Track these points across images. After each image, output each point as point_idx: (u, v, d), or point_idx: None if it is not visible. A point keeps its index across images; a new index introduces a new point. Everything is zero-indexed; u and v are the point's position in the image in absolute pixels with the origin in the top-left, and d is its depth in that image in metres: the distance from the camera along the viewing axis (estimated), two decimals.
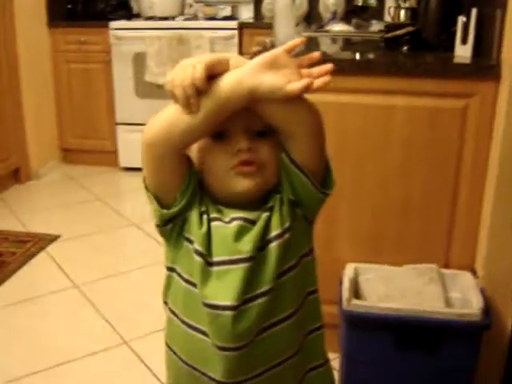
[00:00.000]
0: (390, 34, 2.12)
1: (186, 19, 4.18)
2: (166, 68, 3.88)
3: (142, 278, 2.74)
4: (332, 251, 1.99)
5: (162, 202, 0.99)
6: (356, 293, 1.81)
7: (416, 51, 2.05)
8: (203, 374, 1.02)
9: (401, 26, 2.15)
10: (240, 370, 1.00)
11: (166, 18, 4.14)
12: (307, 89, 0.88)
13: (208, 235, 0.97)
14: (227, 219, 0.97)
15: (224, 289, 0.95)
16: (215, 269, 0.96)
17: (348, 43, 2.68)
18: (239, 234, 0.96)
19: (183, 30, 3.89)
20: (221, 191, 0.98)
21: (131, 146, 4.12)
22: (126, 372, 2.08)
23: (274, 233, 0.96)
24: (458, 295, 1.82)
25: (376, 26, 2.97)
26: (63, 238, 3.18)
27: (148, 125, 0.95)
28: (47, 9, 4.15)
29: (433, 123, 1.84)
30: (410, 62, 1.83)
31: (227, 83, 0.89)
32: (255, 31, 3.89)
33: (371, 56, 2.05)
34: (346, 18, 3.65)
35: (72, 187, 4.00)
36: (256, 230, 0.96)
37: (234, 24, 3.92)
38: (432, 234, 1.93)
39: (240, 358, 0.98)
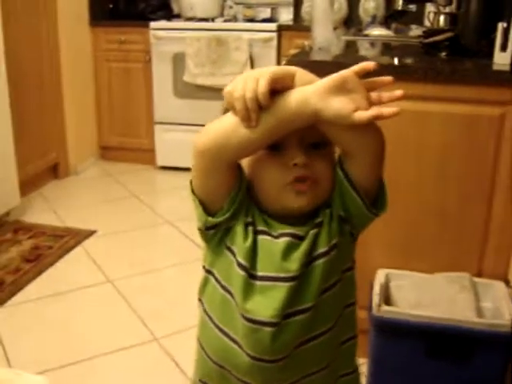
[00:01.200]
0: (428, 40, 2.11)
1: (226, 20, 4.21)
2: (204, 69, 3.91)
3: (174, 276, 2.78)
4: (364, 256, 1.97)
5: (207, 208, 0.96)
6: (387, 299, 1.80)
7: (454, 57, 2.03)
8: (233, 375, 1.02)
9: (440, 31, 2.13)
10: (275, 380, 1.00)
11: (205, 19, 4.18)
12: (375, 119, 0.85)
13: (253, 248, 0.95)
14: (275, 234, 0.95)
15: (267, 305, 0.93)
16: (258, 283, 0.95)
17: (387, 48, 2.67)
18: (287, 251, 0.93)
19: (222, 32, 3.92)
20: (271, 204, 0.96)
21: (168, 145, 4.17)
22: (155, 368, 2.10)
23: (320, 250, 0.94)
24: (489, 305, 1.80)
25: (415, 31, 2.95)
26: (99, 233, 3.24)
27: (203, 131, 0.92)
28: (89, 8, 4.22)
29: (469, 130, 1.82)
30: (447, 67, 1.82)
31: (292, 102, 0.86)
32: (294, 34, 3.89)
33: (409, 61, 2.04)
34: (386, 22, 3.63)
35: (109, 184, 4.06)
36: (304, 248, 0.93)
37: (273, 26, 3.93)
38: (466, 242, 1.92)
39: (276, 369, 0.97)
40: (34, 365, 2.10)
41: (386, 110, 0.85)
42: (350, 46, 2.61)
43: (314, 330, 0.97)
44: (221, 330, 1.01)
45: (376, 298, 1.73)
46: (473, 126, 1.81)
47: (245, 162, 0.96)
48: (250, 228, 0.95)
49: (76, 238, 3.16)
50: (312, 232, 0.94)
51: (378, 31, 3.14)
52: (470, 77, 1.79)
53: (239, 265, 0.95)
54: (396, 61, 2.05)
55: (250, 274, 0.95)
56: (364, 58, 2.21)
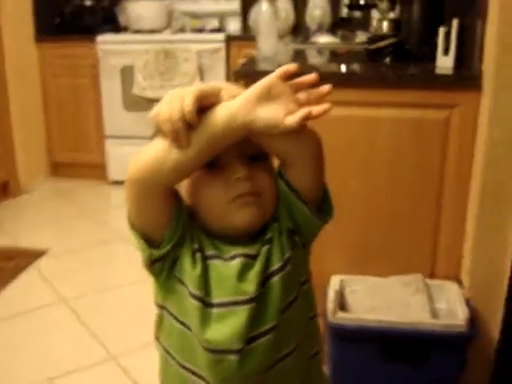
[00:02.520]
0: (372, 46, 2.13)
1: (173, 32, 4.19)
2: (153, 81, 3.89)
3: (130, 294, 2.73)
4: (317, 263, 1.97)
5: (150, 241, 0.91)
6: (342, 305, 1.81)
7: (399, 62, 2.06)
8: None
9: (384, 37, 2.16)
10: None
11: (153, 31, 4.15)
12: (305, 120, 0.82)
13: (204, 275, 0.91)
14: (227, 256, 0.92)
15: (227, 332, 0.90)
16: (215, 311, 0.91)
17: (334, 55, 2.69)
18: (242, 272, 0.90)
19: (170, 44, 3.90)
20: (218, 224, 0.92)
21: (120, 159, 4.11)
22: None
23: (275, 266, 0.91)
24: (443, 306, 1.82)
25: (361, 38, 2.98)
26: (52, 252, 3.16)
27: (133, 160, 0.88)
28: (34, 22, 4.15)
29: (417, 134, 1.84)
30: (392, 73, 1.85)
31: (220, 118, 0.83)
32: (243, 43, 3.90)
33: (354, 68, 2.06)
34: (332, 29, 3.67)
35: (61, 201, 3.98)
36: (258, 267, 0.90)
37: (221, 37, 3.93)
38: (418, 245, 1.94)
39: None
40: None
41: (316, 108, 0.83)
42: (298, 54, 2.62)
43: (280, 351, 0.94)
44: (182, 366, 0.96)
45: (331, 305, 1.73)
46: (420, 130, 1.84)
47: (183, 187, 0.93)
48: (198, 255, 0.91)
49: (28, 258, 3.08)
50: (264, 249, 0.92)
51: (325, 39, 3.18)
52: (414, 81, 1.82)
53: (192, 295, 0.91)
54: (343, 68, 2.07)
55: (206, 303, 0.91)
56: (312, 66, 2.23)
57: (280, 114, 0.82)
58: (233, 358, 0.90)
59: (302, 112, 0.82)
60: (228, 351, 0.90)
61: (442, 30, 1.90)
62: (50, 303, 2.65)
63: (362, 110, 1.86)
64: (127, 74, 3.99)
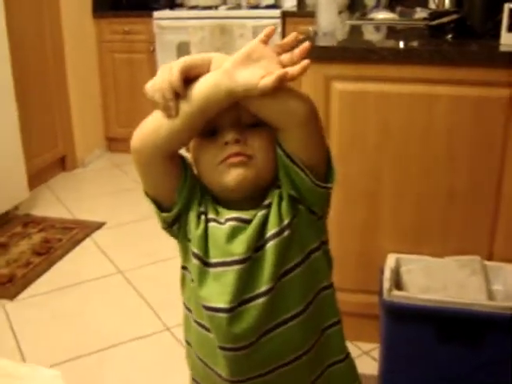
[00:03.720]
0: (434, 22, 2.09)
1: (229, 8, 4.18)
2: None
3: None
4: (373, 241, 1.99)
5: (163, 205, 0.98)
6: (397, 284, 1.80)
7: (461, 39, 2.01)
8: (212, 370, 1.02)
9: (445, 13, 2.10)
10: (243, 369, 0.98)
11: (208, 8, 4.16)
12: (281, 80, 0.83)
13: (205, 236, 0.96)
14: (222, 220, 0.95)
15: (219, 291, 0.94)
16: (212, 270, 0.95)
17: (392, 31, 2.64)
18: (232, 234, 0.93)
19: (226, 20, 3.90)
20: (215, 187, 0.96)
21: None
22: (168, 357, 2.11)
23: (271, 231, 0.93)
24: (500, 288, 1.79)
25: (420, 14, 2.92)
26: (108, 224, 3.25)
27: (135, 132, 0.93)
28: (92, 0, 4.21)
29: (477, 113, 1.81)
30: (454, 50, 1.80)
31: (203, 87, 0.87)
32: (298, 20, 3.87)
33: (415, 44, 2.02)
34: (390, 5, 3.60)
35: (117, 175, 4.06)
36: (250, 230, 0.93)
37: (276, 13, 3.91)
38: (476, 225, 1.91)
39: (242, 358, 0.96)
40: (47, 357, 2.12)
41: (293, 68, 0.83)
42: (355, 31, 2.59)
43: (279, 316, 0.96)
44: (197, 322, 1.01)
45: (386, 283, 1.72)
46: (481, 109, 1.80)
47: (190, 150, 0.98)
48: (203, 217, 0.96)
49: (85, 230, 3.17)
50: (260, 214, 0.94)
51: (382, 15, 3.11)
52: (477, 59, 1.77)
53: (193, 254, 0.96)
54: (401, 44, 2.03)
55: (205, 262, 0.95)
56: (369, 43, 2.20)
57: (257, 75, 0.84)
58: (223, 316, 0.93)
59: (277, 72, 0.82)
60: (219, 309, 0.94)
61: (506, 6, 1.84)
62: (106, 274, 2.73)
63: (422, 87, 1.83)
64: (183, 49, 4.01)
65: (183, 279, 1.05)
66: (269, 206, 0.94)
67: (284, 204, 0.94)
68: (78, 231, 3.15)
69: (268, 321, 0.95)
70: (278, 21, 3.87)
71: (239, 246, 0.93)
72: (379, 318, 1.81)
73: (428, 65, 1.79)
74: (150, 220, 3.26)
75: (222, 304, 0.93)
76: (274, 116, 0.89)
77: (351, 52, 1.83)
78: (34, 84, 3.70)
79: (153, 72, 4.12)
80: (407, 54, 1.82)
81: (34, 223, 3.26)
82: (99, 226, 3.23)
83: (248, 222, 0.94)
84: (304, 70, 0.84)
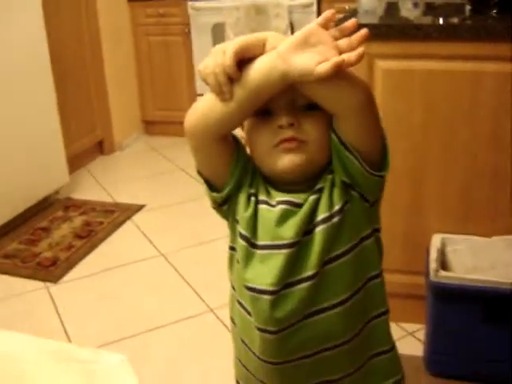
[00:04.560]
0: None
1: None
2: None
3: (225, 247, 2.78)
4: (419, 221, 1.97)
5: (214, 185, 0.97)
6: (443, 264, 1.79)
7: (505, 14, 1.96)
8: (250, 349, 1.02)
9: None
10: (282, 352, 0.97)
11: None
12: (338, 67, 0.80)
13: (254, 218, 0.95)
14: (274, 202, 0.94)
15: (265, 273, 0.93)
16: (258, 252, 0.95)
17: (430, 8, 2.59)
18: (282, 218, 0.92)
19: (261, 0, 3.87)
20: (267, 170, 0.95)
21: None
22: (213, 339, 2.13)
23: (321, 216, 0.91)
24: None
25: None
26: (148, 207, 3.27)
27: (187, 114, 0.93)
28: None
29: None
30: (500, 25, 1.76)
31: (258, 70, 0.85)
32: None
33: (459, 21, 1.98)
34: None
35: (154, 158, 4.09)
36: (301, 215, 0.92)
37: None
38: None
39: (279, 341, 0.95)
40: (92, 339, 2.16)
41: (349, 55, 0.81)
42: (393, 8, 2.54)
43: (322, 301, 0.94)
44: (239, 302, 1.01)
45: (433, 264, 1.71)
46: None
47: (245, 131, 0.97)
48: (253, 199, 0.96)
49: (126, 212, 3.20)
50: (311, 198, 0.92)
51: None
52: None
53: (240, 235, 0.96)
54: (443, 21, 1.99)
55: (252, 244, 0.95)
56: (410, 20, 2.16)
57: (314, 61, 0.81)
58: (267, 298, 0.93)
59: (334, 59, 0.80)
60: (263, 291, 0.93)
61: None
62: (148, 257, 2.75)
63: (467, 64, 1.80)
64: (218, 31, 3.99)
65: (231, 259, 1.04)
66: (321, 191, 0.93)
67: (336, 190, 0.92)
68: (119, 214, 3.19)
69: (311, 306, 0.94)
70: None
71: (289, 229, 0.92)
72: (425, 298, 1.80)
73: (474, 41, 1.76)
74: (189, 202, 3.29)
75: (266, 286, 0.93)
76: (329, 102, 0.87)
77: (395, 29, 1.80)
78: (71, 69, 3.73)
79: (188, 54, 4.15)
80: (453, 31, 1.78)
81: (75, 207, 3.31)
82: (139, 208, 3.26)
83: (299, 205, 0.92)
84: (361, 58, 0.81)
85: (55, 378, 0.81)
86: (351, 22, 0.85)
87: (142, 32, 4.27)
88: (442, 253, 1.81)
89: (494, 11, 2.01)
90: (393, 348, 1.06)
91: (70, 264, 2.71)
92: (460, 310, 1.72)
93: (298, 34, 0.83)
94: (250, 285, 0.95)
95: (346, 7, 3.25)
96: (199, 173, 0.99)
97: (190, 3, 4.03)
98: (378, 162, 0.92)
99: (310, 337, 0.96)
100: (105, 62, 4.04)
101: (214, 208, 1.01)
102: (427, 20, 2.16)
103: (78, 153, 3.78)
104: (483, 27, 1.76)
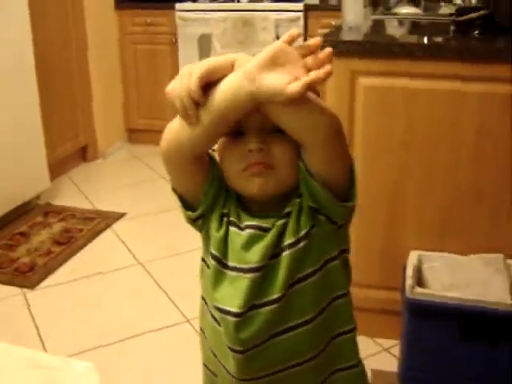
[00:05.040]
0: (462, 18, 2.07)
1: (251, 1, 4.16)
2: (231, 49, 3.89)
3: None
4: (396, 237, 1.98)
5: (189, 202, 0.97)
6: (420, 281, 1.79)
7: (488, 35, 1.99)
8: (221, 364, 1.02)
9: (473, 9, 2.09)
10: (250, 369, 0.98)
11: (231, 0, 4.15)
12: (309, 86, 0.78)
13: (225, 239, 0.95)
14: (242, 225, 0.94)
15: (232, 295, 0.93)
16: (228, 273, 0.95)
17: (416, 26, 2.62)
18: (249, 243, 0.92)
19: (248, 12, 3.89)
20: (238, 191, 0.95)
21: None
22: (187, 348, 2.12)
23: (287, 241, 0.91)
24: None
25: (445, 9, 2.89)
26: (129, 215, 3.26)
27: (163, 134, 0.92)
28: None
29: (505, 110, 1.79)
30: (482, 46, 1.79)
31: (224, 92, 0.83)
32: (321, 13, 3.85)
33: (442, 40, 2.00)
34: (414, 0, 3.57)
35: (137, 166, 4.07)
36: (268, 240, 0.92)
37: (299, 6, 3.88)
38: (501, 224, 1.89)
39: (248, 359, 0.96)
40: (67, 347, 2.14)
41: (318, 73, 0.78)
42: (379, 26, 2.57)
43: (287, 322, 0.95)
44: (212, 315, 1.00)
45: (409, 280, 1.71)
46: (509, 106, 1.78)
47: (217, 150, 0.96)
48: (225, 219, 0.95)
49: (106, 220, 3.19)
50: (278, 223, 0.92)
51: (406, 9, 3.09)
52: (505, 55, 1.75)
53: (212, 255, 0.96)
54: (427, 40, 2.02)
55: (222, 264, 0.95)
56: (394, 38, 2.18)
57: (284, 80, 0.79)
58: (232, 319, 0.93)
59: (305, 79, 0.78)
60: (229, 312, 0.94)
61: None
62: (126, 265, 2.74)
63: (449, 84, 1.82)
64: (205, 42, 4.01)
65: (202, 270, 1.04)
66: (288, 215, 0.92)
67: (303, 214, 0.92)
68: (99, 221, 3.17)
69: (276, 326, 0.95)
70: (301, 14, 3.85)
71: (255, 254, 0.92)
72: (401, 314, 1.80)
73: (456, 61, 1.78)
74: (170, 212, 3.28)
75: (232, 308, 0.93)
76: (295, 130, 0.85)
77: (378, 47, 1.82)
78: (56, 74, 3.71)
79: (174, 64, 4.14)
80: (436, 50, 1.80)
81: (55, 213, 3.29)
82: (119, 216, 3.24)
83: (267, 230, 0.92)
84: (329, 75, 0.79)
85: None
86: (317, 40, 0.83)
87: (129, 40, 4.27)
88: (419, 270, 1.81)
89: (477, 32, 2.04)
90: (359, 364, 1.06)
91: (48, 270, 2.69)
92: (435, 327, 1.73)
93: (265, 52, 0.80)
94: (217, 305, 0.96)
95: (333, 23, 3.29)
96: (174, 190, 0.99)
97: (177, 13, 4.05)
98: (346, 190, 0.92)
99: (276, 355, 0.97)
100: (90, 68, 4.04)
101: (188, 222, 1.01)
102: (412, 38, 2.19)
103: (60, 159, 3.76)
104: (466, 47, 1.79)
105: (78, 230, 3.08)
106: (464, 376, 1.75)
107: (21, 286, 2.57)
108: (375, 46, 1.82)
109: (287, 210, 0.92)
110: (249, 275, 0.92)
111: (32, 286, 2.57)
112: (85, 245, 2.93)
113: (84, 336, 2.22)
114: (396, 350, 2.01)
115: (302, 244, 0.92)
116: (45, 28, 3.51)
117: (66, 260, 2.78)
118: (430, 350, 1.76)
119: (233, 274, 0.94)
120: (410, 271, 1.76)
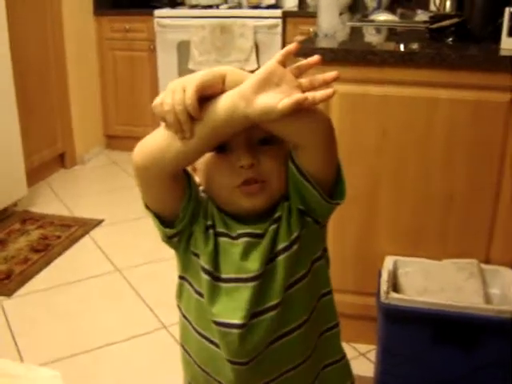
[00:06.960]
0: (435, 25, 2.09)
1: (230, 7, 4.18)
2: (209, 56, 3.90)
3: None
4: (371, 243, 1.99)
5: (164, 219, 0.95)
6: (394, 286, 1.81)
7: (461, 43, 2.02)
8: (215, 379, 1.01)
9: (446, 16, 2.11)
10: (251, 379, 0.98)
11: (209, 7, 4.16)
12: (299, 104, 0.78)
13: (215, 251, 0.94)
14: (234, 235, 0.94)
15: (232, 307, 0.93)
16: (223, 286, 0.94)
17: (392, 33, 2.65)
18: (247, 251, 0.92)
19: (227, 19, 3.90)
20: (226, 206, 0.94)
21: None
22: (165, 356, 2.12)
23: (281, 245, 0.92)
24: (497, 291, 1.80)
25: (421, 16, 2.92)
26: (106, 222, 3.25)
27: (137, 147, 0.89)
28: None
29: (477, 117, 1.81)
30: (454, 53, 1.81)
31: (220, 109, 0.82)
32: (299, 20, 3.88)
33: (415, 47, 2.02)
34: (391, 7, 3.60)
35: (116, 173, 4.06)
36: (263, 246, 0.92)
37: (278, 13, 3.90)
38: (473, 229, 1.91)
39: (250, 370, 0.96)
40: (44, 355, 2.12)
41: (318, 93, 0.79)
42: (356, 33, 2.59)
43: (285, 326, 0.96)
44: (199, 333, 1.00)
45: (384, 285, 1.73)
46: (481, 112, 1.80)
47: (199, 165, 0.95)
48: (211, 231, 0.94)
49: (84, 227, 3.18)
50: (271, 228, 0.93)
51: (383, 17, 3.12)
52: (477, 63, 1.78)
53: (203, 269, 0.94)
54: (402, 47, 2.04)
55: (216, 277, 0.94)
56: (370, 45, 2.20)
57: (276, 99, 0.79)
58: (236, 332, 0.93)
59: (296, 97, 0.78)
60: (231, 325, 0.93)
61: (507, 10, 1.84)
62: (104, 272, 2.73)
63: (422, 90, 1.84)
64: (184, 48, 4.01)
65: (180, 290, 1.03)
66: (279, 219, 0.93)
67: (293, 217, 0.93)
68: (77, 228, 3.16)
69: (275, 333, 0.96)
70: (279, 21, 3.87)
71: (254, 262, 0.92)
72: (377, 319, 1.81)
73: (428, 68, 1.80)
74: (148, 218, 3.25)
75: (235, 320, 0.93)
76: (291, 135, 0.87)
77: (352, 54, 1.83)
78: (34, 81, 3.70)
79: (153, 70, 4.15)
80: (408, 57, 1.82)
81: (33, 220, 3.27)
82: (98, 223, 3.23)
83: (260, 236, 0.93)
84: (327, 98, 0.80)
85: None
86: (313, 60, 0.83)
87: (108, 46, 4.26)
88: (394, 275, 1.83)
89: (450, 39, 2.06)
90: (344, 357, 1.10)
91: (25, 278, 2.67)
92: (410, 331, 1.74)
93: (260, 72, 0.81)
94: (218, 320, 0.94)
95: (311, 29, 3.31)
96: (147, 207, 0.96)
97: (156, 20, 4.05)
98: (332, 189, 0.93)
99: (277, 360, 0.98)
100: (69, 74, 4.02)
101: (163, 240, 0.99)
102: (386, 46, 2.21)
103: (38, 165, 3.74)
104: (438, 54, 1.81)
105: (56, 236, 3.06)
106: (438, 380, 1.77)
107: None
108: (349, 54, 1.83)
109: (277, 214, 0.93)
110: (250, 284, 0.92)
111: (9, 293, 2.54)
112: (62, 252, 2.91)
113: (60, 344, 2.20)
114: (373, 355, 2.02)
115: (295, 247, 0.93)
116: (22, 33, 3.49)
117: (43, 268, 2.76)
118: (405, 354, 1.78)
119: (229, 285, 0.94)
120: (385, 276, 1.77)
